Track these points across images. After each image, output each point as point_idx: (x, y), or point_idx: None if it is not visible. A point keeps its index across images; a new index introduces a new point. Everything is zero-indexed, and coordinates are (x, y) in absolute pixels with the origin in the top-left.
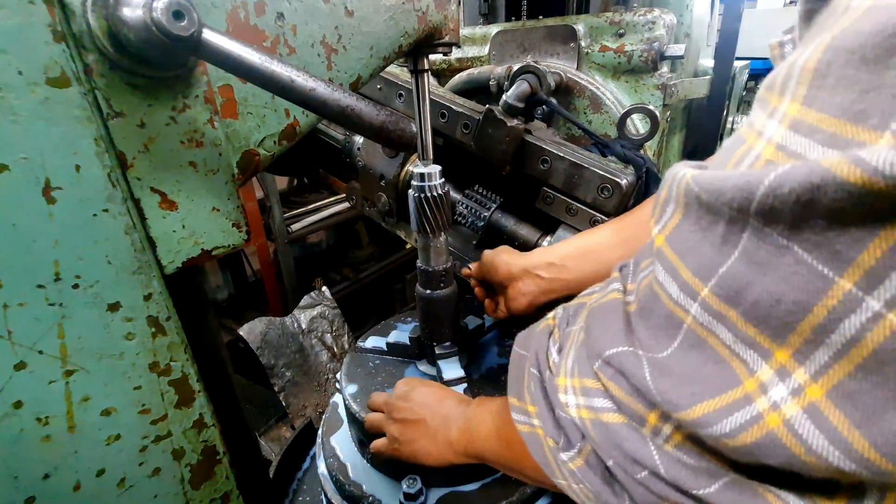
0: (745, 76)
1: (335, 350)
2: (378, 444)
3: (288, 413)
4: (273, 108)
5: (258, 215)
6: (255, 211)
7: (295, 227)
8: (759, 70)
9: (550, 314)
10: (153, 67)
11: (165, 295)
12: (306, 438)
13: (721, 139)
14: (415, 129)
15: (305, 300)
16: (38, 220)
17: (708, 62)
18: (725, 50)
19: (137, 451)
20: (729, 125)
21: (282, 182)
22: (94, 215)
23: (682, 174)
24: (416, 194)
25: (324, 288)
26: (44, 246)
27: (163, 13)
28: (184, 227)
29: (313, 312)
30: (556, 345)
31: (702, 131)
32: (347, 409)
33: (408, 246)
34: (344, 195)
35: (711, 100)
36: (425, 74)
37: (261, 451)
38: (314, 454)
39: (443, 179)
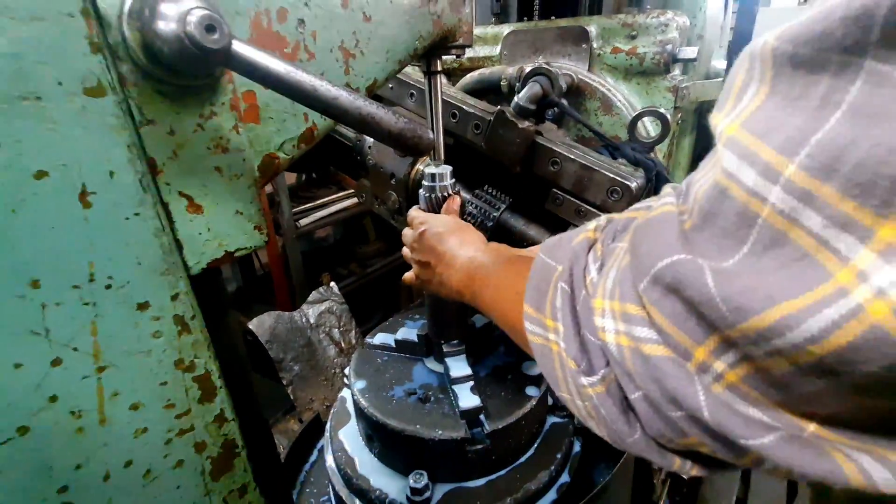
0: None
1: (343, 345)
2: (407, 276)
3: (296, 406)
4: (293, 112)
5: (267, 210)
6: (265, 205)
7: (303, 221)
8: None
9: (591, 224)
10: (183, 77)
11: (191, 295)
12: (314, 431)
13: None
14: (431, 135)
15: (314, 295)
16: (75, 224)
17: (720, 64)
18: (739, 52)
19: (163, 444)
20: None
21: (290, 177)
22: (127, 219)
23: (759, 45)
24: (427, 194)
25: (332, 283)
26: (79, 248)
27: (196, 27)
28: (209, 229)
29: (321, 307)
30: (598, 262)
31: (712, 133)
32: (356, 403)
33: None
34: (352, 190)
35: None
36: (438, 76)
37: (276, 446)
38: (322, 447)
39: (453, 180)
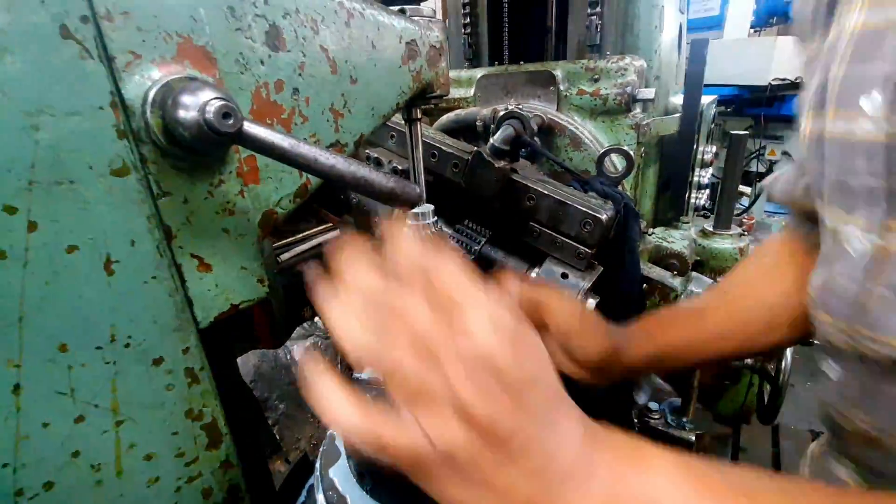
0: (713, 110)
1: None
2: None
3: (282, 446)
4: (289, 171)
5: None
6: None
7: (284, 256)
8: (727, 96)
9: None
10: (198, 154)
11: (200, 347)
12: (302, 471)
13: (693, 170)
14: (418, 190)
15: (298, 331)
16: (100, 291)
17: (678, 99)
18: (692, 92)
19: (173, 492)
20: (699, 155)
21: None
22: (145, 282)
23: None
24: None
25: (316, 318)
26: (103, 312)
27: (214, 115)
28: (217, 285)
29: (306, 343)
30: None
31: (675, 164)
32: (345, 441)
33: None
34: (332, 224)
35: (682, 135)
36: (418, 123)
37: (274, 488)
38: (311, 486)
39: (435, 218)
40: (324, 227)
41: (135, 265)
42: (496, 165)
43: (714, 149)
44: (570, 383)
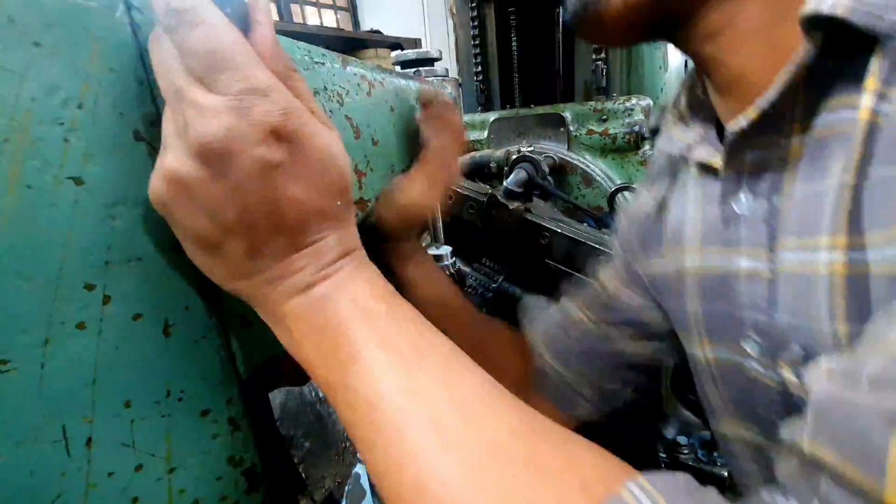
0: None
1: None
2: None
3: (307, 485)
4: None
5: None
6: None
7: None
8: None
9: None
10: None
11: (240, 397)
12: None
13: None
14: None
15: None
16: (159, 352)
17: None
18: None
19: None
20: None
21: None
22: (196, 342)
23: None
24: None
25: None
26: (161, 371)
27: None
28: (256, 340)
29: None
30: None
31: None
32: (371, 479)
33: None
34: None
35: None
36: None
37: None
38: None
39: (454, 259)
40: None
41: (188, 328)
42: (510, 207)
43: None
44: (592, 424)
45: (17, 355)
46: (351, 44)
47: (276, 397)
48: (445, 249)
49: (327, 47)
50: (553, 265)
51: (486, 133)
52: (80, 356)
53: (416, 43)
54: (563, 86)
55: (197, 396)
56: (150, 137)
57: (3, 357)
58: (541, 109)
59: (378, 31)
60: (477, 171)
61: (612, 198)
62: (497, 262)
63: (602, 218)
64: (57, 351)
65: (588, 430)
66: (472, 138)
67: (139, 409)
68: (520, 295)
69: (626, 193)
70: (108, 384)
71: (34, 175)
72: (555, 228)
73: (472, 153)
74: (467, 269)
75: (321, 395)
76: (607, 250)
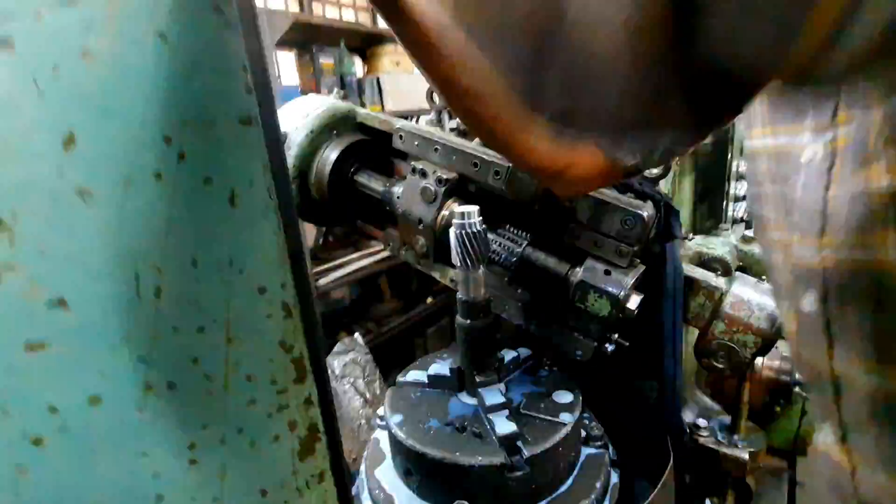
0: None
1: (367, 396)
2: None
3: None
4: None
5: None
6: None
7: (322, 281)
8: None
9: None
10: None
11: (293, 285)
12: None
13: (728, 181)
14: None
15: (339, 347)
16: (224, 219)
17: None
18: None
19: (266, 417)
20: (734, 168)
21: (310, 239)
22: (257, 219)
23: None
24: (458, 231)
25: (356, 335)
26: (226, 239)
27: None
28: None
29: (346, 358)
30: None
31: (710, 174)
32: (393, 438)
33: (428, 300)
34: (369, 251)
35: (716, 146)
36: None
37: (342, 443)
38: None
39: (481, 217)
40: (359, 253)
41: (251, 202)
42: None
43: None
44: (607, 411)
45: (99, 189)
46: (369, 39)
47: None
48: (473, 207)
49: (346, 42)
50: (579, 228)
51: None
52: (154, 206)
53: None
54: None
55: (255, 272)
56: (226, 9)
57: (86, 187)
58: None
59: None
60: None
61: None
62: (520, 227)
63: (627, 182)
64: (135, 195)
65: (599, 419)
66: None
67: (204, 271)
68: (543, 260)
69: None
70: (177, 240)
71: (125, 23)
72: None
73: None
74: (491, 236)
75: (337, 372)
76: (636, 210)
